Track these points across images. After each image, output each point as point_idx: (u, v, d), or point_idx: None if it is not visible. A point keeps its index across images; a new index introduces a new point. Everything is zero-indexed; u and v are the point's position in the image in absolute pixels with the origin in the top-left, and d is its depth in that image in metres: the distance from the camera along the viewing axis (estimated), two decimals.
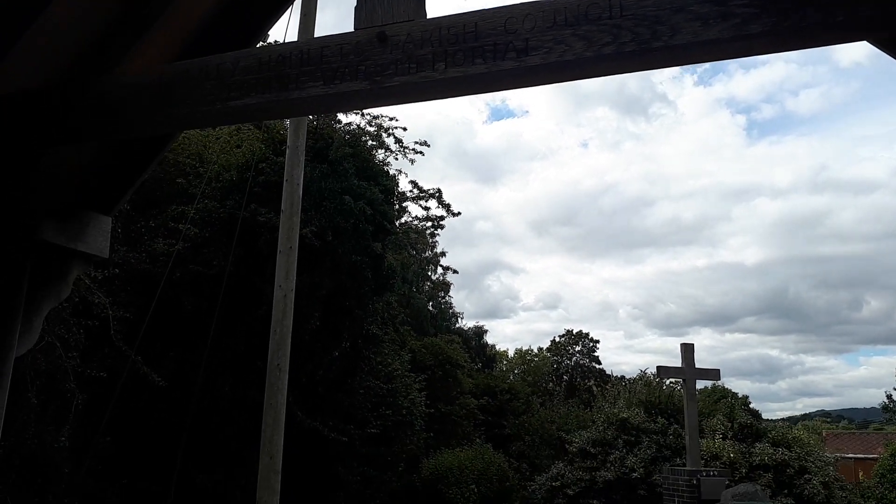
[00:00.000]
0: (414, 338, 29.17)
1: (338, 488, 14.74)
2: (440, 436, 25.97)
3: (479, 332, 43.20)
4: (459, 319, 42.32)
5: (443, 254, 34.20)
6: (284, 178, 8.55)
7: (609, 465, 15.42)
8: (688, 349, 11.53)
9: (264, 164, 11.94)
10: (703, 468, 11.38)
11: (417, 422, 18.40)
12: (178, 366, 10.99)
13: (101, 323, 8.53)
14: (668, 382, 19.86)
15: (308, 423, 12.69)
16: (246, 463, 11.84)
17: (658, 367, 11.37)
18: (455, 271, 31.73)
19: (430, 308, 37.47)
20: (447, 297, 40.11)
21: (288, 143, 8.72)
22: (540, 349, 48.28)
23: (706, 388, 19.16)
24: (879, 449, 25.76)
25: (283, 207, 8.42)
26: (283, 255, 8.19)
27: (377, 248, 12.93)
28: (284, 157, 8.87)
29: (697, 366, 11.56)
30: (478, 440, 22.12)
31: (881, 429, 42.66)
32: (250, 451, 11.51)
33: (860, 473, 23.21)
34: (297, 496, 14.46)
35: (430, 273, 36.10)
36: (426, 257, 33.83)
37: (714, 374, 11.58)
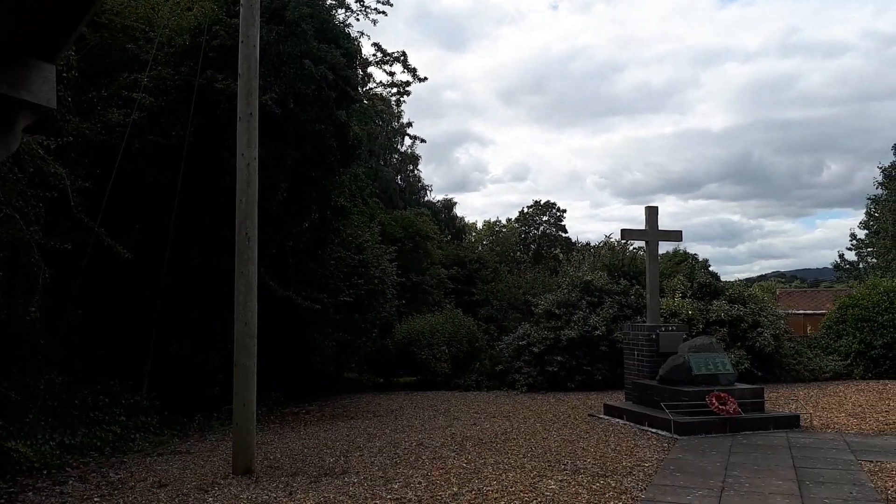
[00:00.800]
0: (383, 211, 29.25)
1: (313, 353, 15.27)
2: (412, 304, 26.71)
3: (449, 204, 43.49)
4: (428, 193, 42.42)
5: (409, 124, 33.63)
6: (240, 40, 8.12)
7: (573, 324, 16.13)
8: (651, 212, 11.77)
9: (218, 27, 11.30)
10: (662, 324, 11.97)
11: (389, 290, 18.82)
12: (145, 238, 10.92)
13: (61, 195, 8.34)
14: (631, 247, 20.46)
15: (281, 292, 12.90)
16: (222, 330, 12.10)
17: (622, 230, 11.64)
18: (423, 140, 31.32)
19: (399, 181, 37.38)
20: (415, 171, 39.96)
21: (241, 1, 8.21)
22: (508, 220, 48.97)
23: (668, 252, 19.76)
24: (828, 305, 27.30)
25: (240, 71, 8.06)
26: (243, 122, 7.94)
27: (341, 117, 12.62)
28: (239, 18, 8.39)
29: (661, 228, 11.85)
30: (448, 306, 22.83)
31: (831, 286, 45.02)
32: (225, 319, 11.73)
33: (808, 328, 24.72)
34: (275, 361, 14.96)
35: (397, 145, 35.63)
36: (393, 128, 33.23)
37: (676, 235, 11.91)
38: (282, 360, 15.10)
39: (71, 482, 7.57)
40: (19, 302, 7.86)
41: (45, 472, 7.89)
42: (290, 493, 6.93)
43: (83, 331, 10.91)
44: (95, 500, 6.83)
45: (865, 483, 6.76)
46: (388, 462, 8.37)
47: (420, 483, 7.20)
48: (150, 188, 10.98)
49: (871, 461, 7.69)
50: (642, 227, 11.80)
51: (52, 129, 8.53)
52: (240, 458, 7.78)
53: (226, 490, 7.10)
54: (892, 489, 6.50)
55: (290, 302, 13.82)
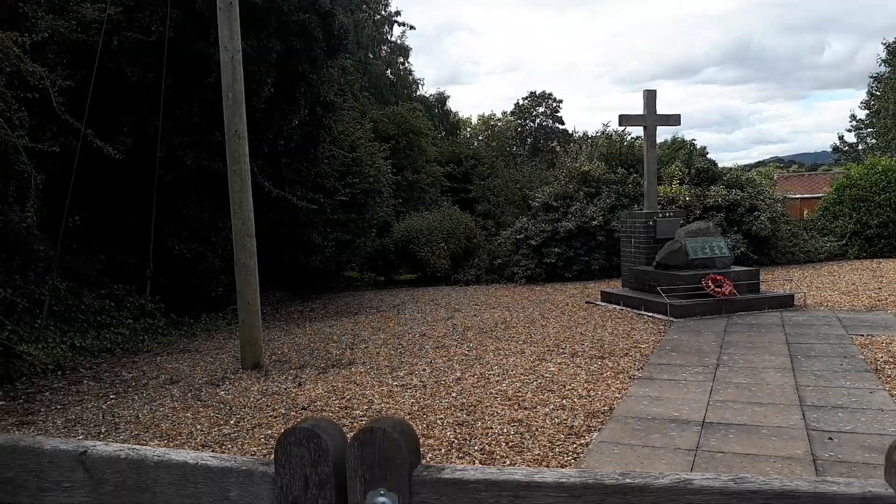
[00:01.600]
0: (375, 107, 28.64)
1: (314, 252, 15.38)
2: (408, 203, 26.66)
3: (442, 98, 42.48)
4: (420, 87, 41.33)
5: (398, 13, 32.30)
6: None
7: (570, 215, 16.14)
8: (650, 95, 11.49)
9: None
10: (659, 211, 11.96)
11: (385, 189, 18.74)
12: (135, 140, 10.70)
13: (43, 98, 8.07)
14: (629, 137, 20.16)
15: (277, 192, 12.82)
16: (220, 230, 12.13)
17: (620, 116, 11.38)
18: (412, 27, 30.25)
19: (389, 75, 36.33)
20: (406, 63, 38.74)
21: None
22: (504, 113, 48.07)
23: (666, 140, 19.53)
24: (825, 188, 27.25)
25: None
26: (223, 13, 7.57)
27: (325, 5, 12.04)
28: None
29: (659, 112, 11.61)
30: (445, 204, 22.81)
31: (829, 170, 44.83)
32: (223, 219, 11.73)
33: (805, 212, 24.81)
34: (277, 261, 15.09)
35: (386, 35, 34.36)
36: (382, 16, 31.95)
37: (675, 119, 11.68)
38: (283, 260, 15.23)
39: (86, 381, 7.78)
40: (15, 208, 7.79)
41: (59, 373, 8.10)
42: (300, 384, 7.14)
43: (83, 236, 10.91)
44: (111, 397, 7.04)
45: (856, 355, 6.96)
46: (392, 353, 8.59)
47: (424, 370, 7.41)
48: (135, 88, 10.65)
49: (863, 335, 7.89)
50: (640, 112, 11.55)
51: (25, 27, 8.15)
52: (248, 354, 7.97)
53: (236, 384, 7.31)
54: (881, 359, 6.69)
55: (287, 203, 13.77)
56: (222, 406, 6.38)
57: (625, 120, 11.44)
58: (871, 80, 33.69)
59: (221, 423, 5.85)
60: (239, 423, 5.81)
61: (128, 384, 7.62)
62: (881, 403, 5.31)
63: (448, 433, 5.17)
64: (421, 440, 5.03)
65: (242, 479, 1.28)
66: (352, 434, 1.23)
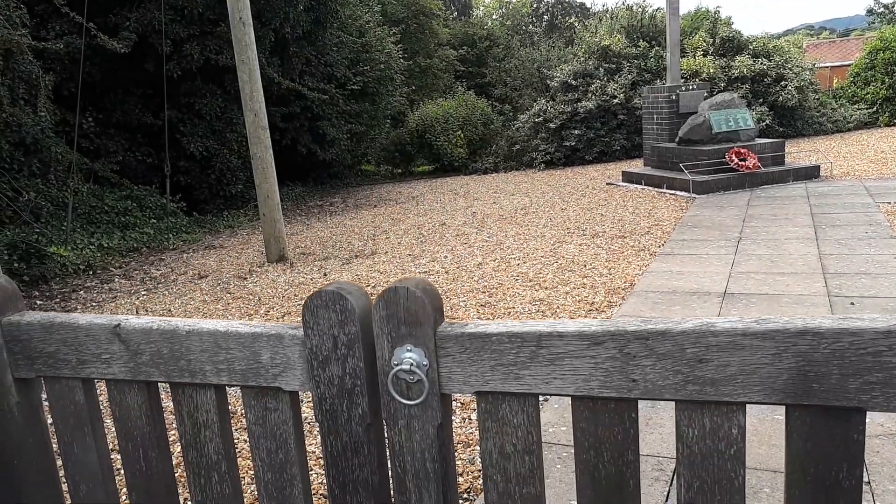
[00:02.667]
0: None
1: (329, 146, 15.25)
2: (422, 90, 26.05)
3: None
4: None
5: None
6: None
7: (590, 94, 15.68)
8: None
9: None
10: (682, 84, 11.56)
11: (397, 76, 18.25)
12: (140, 36, 10.42)
13: None
14: (650, 8, 19.19)
15: (287, 83, 12.56)
16: (235, 126, 12.03)
17: None
18: None
19: None
20: None
21: None
22: None
23: (689, 11, 18.52)
24: (857, 54, 25.99)
25: None
26: None
27: None
28: None
29: None
30: (460, 90, 22.23)
31: (862, 34, 42.60)
32: (236, 113, 11.60)
33: (835, 80, 23.83)
34: (293, 155, 15.03)
35: None
36: None
37: None
38: (300, 156, 15.16)
39: (116, 280, 8.01)
40: (27, 110, 7.74)
41: (90, 273, 8.33)
42: (325, 274, 7.28)
43: (100, 139, 10.90)
44: (142, 293, 7.26)
45: (881, 223, 6.88)
46: (413, 242, 8.67)
47: (446, 257, 7.49)
48: None
49: (889, 202, 7.77)
50: None
51: None
52: (272, 247, 8.09)
53: (263, 276, 7.48)
54: None
55: (298, 94, 13.52)
56: (251, 297, 6.56)
57: None
58: None
59: (252, 312, 6.03)
60: (269, 312, 5.99)
61: (157, 281, 7.83)
62: None
63: (471, 314, 5.29)
64: None
65: (273, 342, 1.32)
66: (376, 295, 1.25)
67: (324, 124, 14.76)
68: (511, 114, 19.68)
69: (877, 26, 34.53)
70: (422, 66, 27.34)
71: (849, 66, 24.67)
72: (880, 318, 1.04)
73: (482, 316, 5.20)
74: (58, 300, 7.25)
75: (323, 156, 15.28)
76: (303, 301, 6.44)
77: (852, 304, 4.58)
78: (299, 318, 5.73)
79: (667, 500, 2.61)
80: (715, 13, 17.77)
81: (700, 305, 4.91)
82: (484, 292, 5.88)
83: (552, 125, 15.79)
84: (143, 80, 11.14)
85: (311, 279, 7.11)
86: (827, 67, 27.48)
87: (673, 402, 1.14)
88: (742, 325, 1.07)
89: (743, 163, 9.81)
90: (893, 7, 33.29)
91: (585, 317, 4.94)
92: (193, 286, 7.36)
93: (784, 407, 1.09)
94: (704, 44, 16.11)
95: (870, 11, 34.27)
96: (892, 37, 16.37)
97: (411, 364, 1.21)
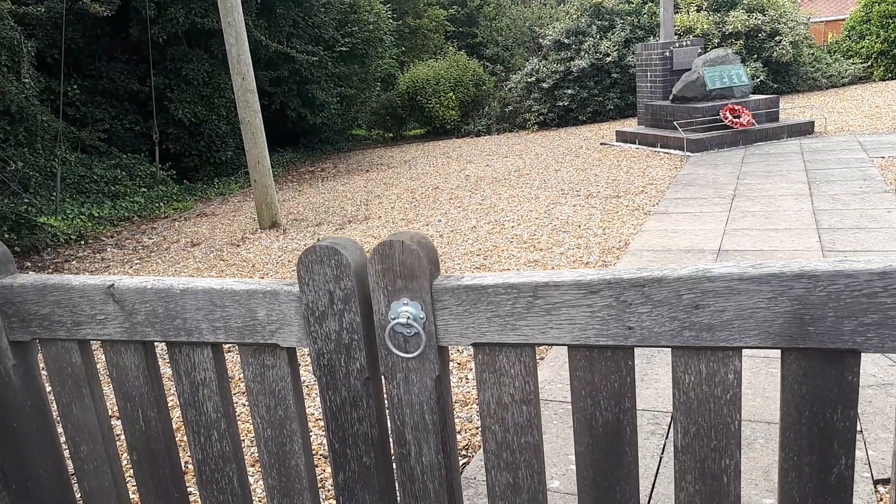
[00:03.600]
0: None
1: (319, 110, 15.08)
2: (412, 52, 25.66)
3: None
4: None
5: None
6: None
7: (583, 53, 15.49)
8: None
9: None
10: (675, 40, 11.42)
11: (386, 38, 17.95)
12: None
13: None
14: None
15: (275, 46, 12.36)
16: (223, 91, 11.87)
17: None
18: None
19: None
20: None
21: None
22: None
23: None
24: (852, 8, 25.67)
25: None
26: None
27: None
28: None
29: None
30: (451, 50, 21.90)
31: None
32: (224, 78, 11.43)
33: (829, 35, 23.57)
34: (283, 120, 14.88)
35: None
36: None
37: None
38: (290, 120, 15.00)
39: (109, 249, 7.98)
40: (10, 78, 7.60)
41: (82, 242, 8.29)
42: (318, 239, 7.27)
43: (86, 107, 10.73)
44: (135, 262, 7.24)
45: (875, 177, 6.88)
46: (407, 206, 8.64)
47: (440, 220, 7.48)
48: None
49: (883, 157, 7.76)
50: None
51: None
52: (264, 214, 8.05)
53: (256, 243, 7.45)
54: None
55: (287, 57, 13.32)
56: (245, 264, 6.55)
57: None
58: None
59: (246, 278, 6.02)
60: (263, 277, 5.98)
61: (150, 249, 7.80)
62: None
63: None
64: None
65: (268, 299, 1.32)
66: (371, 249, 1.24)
67: (313, 88, 14.57)
68: (503, 74, 19.43)
69: None
70: (411, 26, 26.91)
71: (844, 20, 24.40)
72: (875, 260, 1.04)
73: None
74: (50, 270, 7.22)
75: (313, 120, 15.12)
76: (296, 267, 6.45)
77: (846, 258, 4.60)
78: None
79: (663, 453, 2.65)
80: None
81: (694, 263, 4.92)
82: (479, 255, 5.88)
83: (545, 85, 15.64)
84: (128, 46, 10.94)
85: (305, 244, 7.09)
86: (822, 22, 27.16)
87: (669, 350, 1.15)
88: (738, 270, 1.07)
89: (737, 120, 9.76)
90: None
91: None
92: (186, 254, 7.34)
93: (780, 351, 1.09)
94: None
95: None
96: None
97: (408, 317, 1.21)
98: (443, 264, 5.71)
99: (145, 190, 10.79)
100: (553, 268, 5.24)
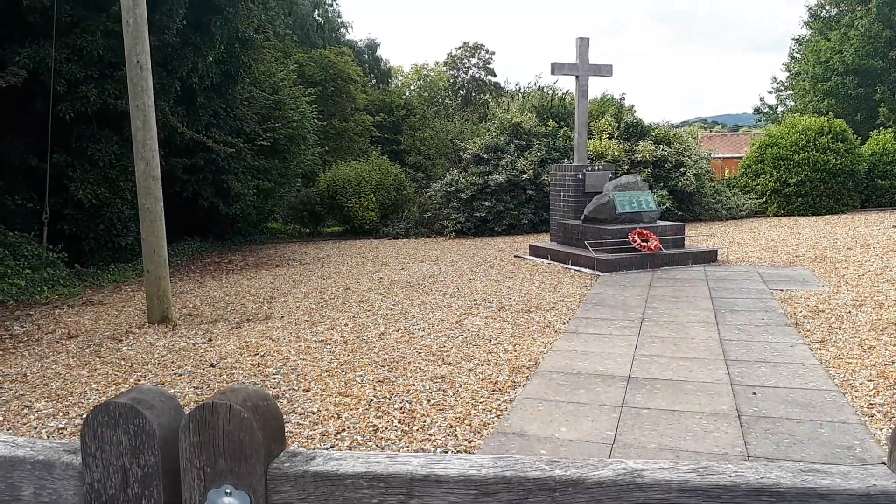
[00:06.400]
0: (300, 50, 27.41)
1: (234, 200, 14.64)
2: (336, 152, 25.87)
3: (373, 45, 41.22)
4: (349, 30, 39.93)
5: None
6: None
7: (501, 168, 15.92)
8: (582, 43, 11.23)
9: None
10: (588, 164, 11.85)
11: (310, 136, 17.98)
12: (31, 72, 9.71)
13: None
14: (560, 91, 19.97)
15: (191, 134, 12.02)
16: (130, 174, 11.31)
17: (552, 64, 11.09)
18: None
19: (317, 17, 34.79)
20: (334, 4, 37.16)
21: None
22: (437, 63, 47.10)
23: (595, 97, 19.36)
24: (745, 149, 27.93)
25: None
26: None
27: None
28: None
29: (591, 62, 11.39)
30: (374, 154, 22.15)
31: (749, 130, 46.19)
32: (132, 161, 10.91)
33: (727, 171, 25.45)
34: (193, 208, 14.32)
35: None
36: None
37: (606, 69, 11.48)
38: (202, 209, 14.46)
39: None
40: None
41: None
42: (210, 340, 6.69)
43: None
44: None
45: (776, 309, 7.05)
46: (313, 306, 8.21)
47: (346, 325, 7.08)
48: (28, 12, 9.62)
49: (782, 290, 8.03)
50: (573, 61, 11.30)
51: None
52: (155, 307, 7.42)
53: (141, 339, 6.79)
54: (800, 314, 6.80)
55: (204, 146, 12.97)
56: (123, 363, 5.90)
57: (557, 68, 11.17)
58: (793, 41, 34.62)
59: (120, 381, 5.38)
60: (139, 381, 5.36)
61: (19, 339, 6.98)
62: (801, 357, 5.34)
63: (367, 391, 4.89)
64: (339, 399, 4.74)
65: (39, 471, 0.94)
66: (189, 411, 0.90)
67: (229, 178, 14.18)
68: (424, 181, 19.68)
69: (762, 124, 37.57)
70: (337, 128, 27.27)
71: (739, 158, 26.46)
72: (854, 473, 0.79)
73: (379, 394, 4.81)
74: None
75: (226, 210, 14.62)
76: (181, 370, 5.85)
77: (754, 393, 4.52)
78: (173, 390, 5.13)
79: None
80: (620, 99, 18.67)
81: (604, 389, 4.72)
82: (384, 366, 5.50)
83: (463, 195, 15.86)
84: (31, 120, 10.34)
85: (194, 344, 6.51)
86: (719, 158, 29.40)
87: None
88: (678, 476, 0.80)
89: (645, 244, 10.02)
90: (776, 108, 36.32)
91: (489, 398, 4.64)
92: (59, 347, 6.59)
93: None
94: (610, 128, 16.80)
95: (756, 110, 37.27)
96: (779, 134, 17.64)
97: None
98: (343, 376, 5.28)
99: (30, 272, 9.88)
100: (461, 386, 4.92)
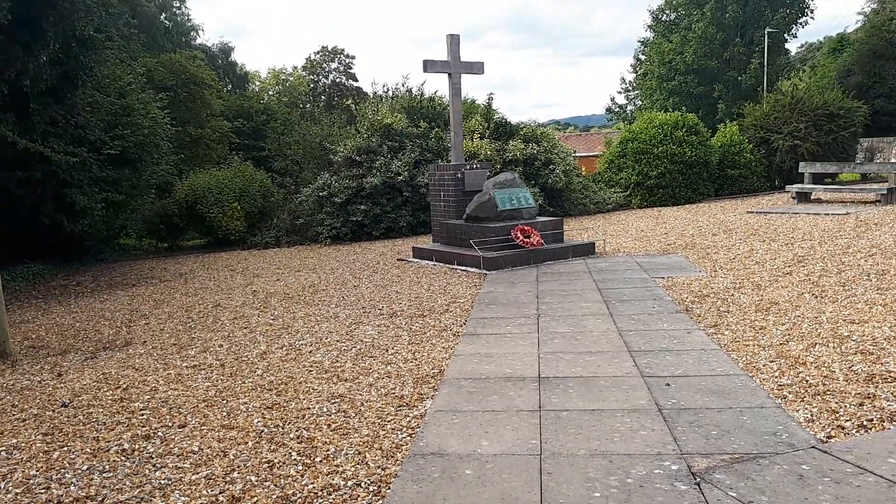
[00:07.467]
0: (148, 54, 25.52)
1: (80, 216, 13.15)
2: (193, 160, 24.28)
3: (226, 49, 39.38)
4: (200, 34, 37.87)
5: None
6: None
7: (375, 171, 15.48)
8: (454, 40, 11.05)
9: None
10: (466, 163, 11.70)
11: (164, 144, 16.62)
12: None
13: None
14: (429, 93, 19.79)
15: (24, 143, 10.61)
16: None
17: (424, 61, 10.79)
18: None
19: (164, 20, 32.60)
20: (183, 7, 35.03)
21: None
22: (295, 68, 45.74)
23: (466, 99, 19.42)
24: (599, 147, 29.26)
25: None
26: None
27: None
28: None
29: (463, 59, 11.23)
30: (236, 161, 20.92)
31: (600, 131, 48.86)
32: None
33: (583, 168, 26.52)
34: (33, 227, 12.74)
35: None
36: None
37: (479, 66, 11.37)
38: (43, 227, 12.86)
39: None
40: None
41: None
42: (60, 375, 5.76)
43: None
44: None
45: (664, 297, 7.14)
46: (180, 328, 7.39)
47: (221, 346, 6.38)
48: None
49: (663, 277, 8.21)
50: (445, 59, 11.08)
51: None
52: None
53: None
54: (687, 300, 6.92)
55: (41, 157, 11.51)
56: None
57: (430, 66, 10.90)
58: (639, 44, 36.91)
59: None
60: None
61: None
62: (701, 343, 5.35)
63: (256, 420, 4.30)
64: (222, 432, 4.11)
65: None
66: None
67: (73, 192, 12.71)
68: (293, 187, 18.79)
69: (614, 122, 39.76)
70: (193, 135, 25.63)
71: (594, 156, 27.69)
72: None
73: (270, 423, 4.23)
74: None
75: (71, 228, 13.10)
76: (24, 413, 4.92)
77: (668, 385, 4.41)
78: (15, 440, 4.24)
79: None
80: (489, 100, 18.81)
81: (518, 393, 4.44)
82: (271, 390, 4.91)
83: (337, 200, 15.26)
84: None
85: (40, 381, 5.57)
86: (576, 157, 30.66)
87: None
88: None
89: (527, 240, 9.98)
90: (625, 107, 38.60)
91: (396, 416, 4.20)
92: None
93: None
94: (481, 127, 16.86)
95: (608, 110, 39.36)
96: (638, 129, 18.50)
97: None
98: (225, 406, 4.64)
99: None
100: (363, 404, 4.45)
